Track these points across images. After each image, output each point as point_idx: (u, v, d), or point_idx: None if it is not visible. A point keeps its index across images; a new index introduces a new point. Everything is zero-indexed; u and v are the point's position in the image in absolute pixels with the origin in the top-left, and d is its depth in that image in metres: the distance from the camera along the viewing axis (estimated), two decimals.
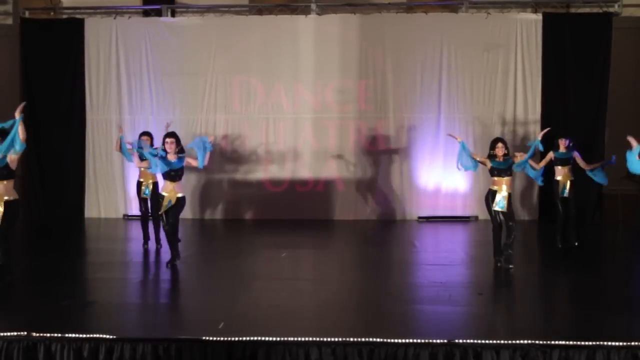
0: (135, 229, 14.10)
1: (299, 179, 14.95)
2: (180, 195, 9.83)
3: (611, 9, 14.53)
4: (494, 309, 7.73)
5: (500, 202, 9.90)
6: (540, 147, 10.92)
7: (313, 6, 15.13)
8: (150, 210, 11.58)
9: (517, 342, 6.22)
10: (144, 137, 11.62)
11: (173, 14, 15.70)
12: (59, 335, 6.35)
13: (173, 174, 9.77)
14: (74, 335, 6.34)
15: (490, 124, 14.86)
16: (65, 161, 15.40)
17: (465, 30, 14.82)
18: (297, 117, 15.06)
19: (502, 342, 6.24)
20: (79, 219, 15.27)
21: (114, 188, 15.46)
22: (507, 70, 14.84)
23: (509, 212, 9.94)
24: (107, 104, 15.43)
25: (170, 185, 9.81)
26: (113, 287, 8.76)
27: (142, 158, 10.73)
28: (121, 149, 11.71)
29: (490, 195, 10.07)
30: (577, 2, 14.89)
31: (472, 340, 6.26)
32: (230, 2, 15.79)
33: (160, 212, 9.90)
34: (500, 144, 10.19)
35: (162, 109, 15.26)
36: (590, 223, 14.45)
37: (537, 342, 6.20)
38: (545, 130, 10.89)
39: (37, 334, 6.37)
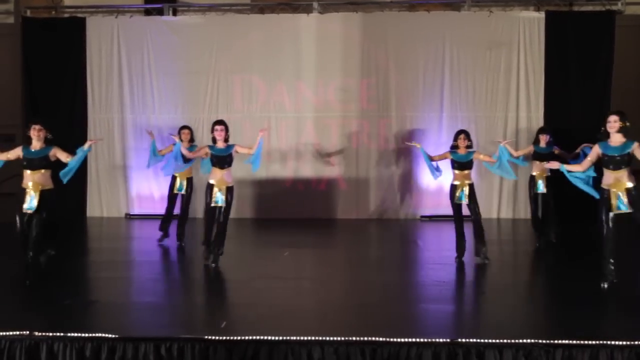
0: (138, 228, 14.30)
1: (301, 178, 14.99)
2: (230, 184, 9.72)
3: (614, 7, 14.53)
4: (497, 308, 7.70)
5: (461, 196, 10.06)
6: (515, 161, 11.07)
7: (315, 4, 15.16)
8: (182, 207, 11.64)
9: (520, 341, 6.23)
10: (185, 131, 11.72)
11: (175, 13, 15.78)
12: (62, 334, 6.37)
13: (221, 161, 9.71)
14: (76, 334, 6.36)
15: (493, 122, 14.90)
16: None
17: (468, 29, 14.83)
18: (299, 115, 15.09)
19: (505, 341, 6.25)
20: (81, 218, 15.33)
21: (116, 187, 15.51)
22: (509, 69, 14.86)
23: (473, 205, 10.07)
24: (108, 102, 15.48)
25: (219, 173, 9.72)
26: (115, 287, 8.78)
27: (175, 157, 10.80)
28: (153, 153, 11.67)
29: (452, 191, 10.19)
30: (579, 0, 14.93)
31: (475, 340, 6.27)
32: (232, 0, 15.83)
33: (210, 203, 9.71)
34: (462, 135, 10.21)
35: (163, 107, 15.31)
36: (593, 221, 14.42)
37: (540, 341, 6.20)
38: (508, 141, 10.63)
39: (40, 334, 6.39)
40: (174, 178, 11.65)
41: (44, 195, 8.67)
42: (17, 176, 15.17)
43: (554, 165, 8.77)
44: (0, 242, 12.96)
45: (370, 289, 8.77)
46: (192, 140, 11.79)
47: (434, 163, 10.34)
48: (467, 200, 10.11)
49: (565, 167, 8.62)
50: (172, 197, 11.77)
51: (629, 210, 8.18)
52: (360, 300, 8.18)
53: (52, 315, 7.16)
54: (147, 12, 15.78)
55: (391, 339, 6.29)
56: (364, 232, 13.94)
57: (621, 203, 8.11)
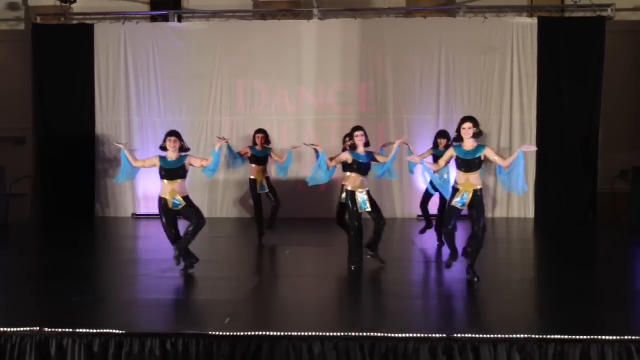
0: (144, 227, 14.43)
1: (301, 179, 15.03)
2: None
3: (604, 14, 14.74)
4: (492, 305, 7.77)
5: (363, 204, 9.27)
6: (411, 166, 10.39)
7: (315, 11, 15.43)
8: (274, 202, 11.87)
9: (514, 336, 6.24)
10: (259, 135, 11.83)
11: (180, 19, 16.09)
12: (71, 330, 6.37)
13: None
14: (84, 330, 6.36)
15: (487, 125, 14.97)
16: (76, 161, 15.74)
17: (463, 34, 15.07)
18: (300, 118, 15.36)
19: (499, 336, 6.25)
20: (89, 218, 15.58)
21: (124, 188, 15.72)
22: (503, 73, 15.10)
23: (375, 209, 9.43)
24: (116, 106, 15.78)
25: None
26: (122, 284, 8.90)
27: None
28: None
29: (349, 198, 9.27)
30: (571, 7, 15.11)
31: (470, 335, 6.27)
32: (235, 7, 16.09)
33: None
34: (359, 132, 9.32)
35: (169, 111, 15.61)
36: (585, 221, 14.75)
37: (533, 336, 6.23)
38: (402, 139, 9.81)
39: (49, 330, 6.38)
40: (252, 181, 11.78)
41: (189, 201, 8.86)
42: (27, 177, 15.75)
43: (415, 159, 8.96)
44: (13, 241, 13.38)
45: (369, 286, 8.87)
46: (267, 142, 11.99)
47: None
48: (368, 207, 9.34)
49: (426, 164, 8.81)
50: (257, 197, 11.87)
51: (460, 208, 8.51)
52: (359, 297, 8.30)
53: (61, 312, 7.18)
54: (153, 19, 16.08)
55: (389, 335, 6.28)
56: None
57: (461, 201, 8.42)
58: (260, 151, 11.73)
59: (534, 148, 8.84)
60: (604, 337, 6.18)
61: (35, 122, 15.99)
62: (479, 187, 8.46)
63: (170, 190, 8.79)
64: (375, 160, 9.41)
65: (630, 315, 7.31)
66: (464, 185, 8.43)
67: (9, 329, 6.40)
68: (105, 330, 6.39)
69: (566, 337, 6.21)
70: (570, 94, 14.89)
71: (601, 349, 6.15)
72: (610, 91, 14.92)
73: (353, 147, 9.37)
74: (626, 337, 6.19)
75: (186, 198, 8.86)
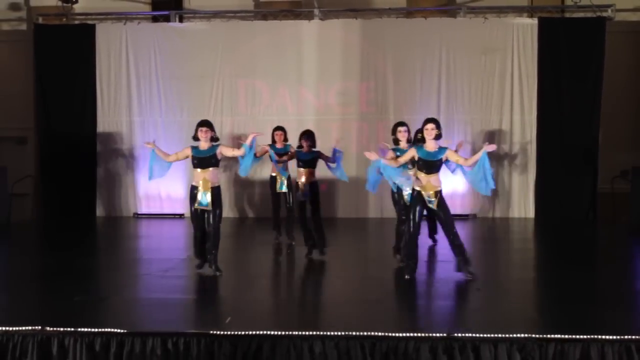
0: (145, 227, 14.49)
1: None
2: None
3: (605, 14, 14.78)
4: (492, 304, 7.77)
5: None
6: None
7: (316, 11, 15.46)
8: (289, 204, 11.48)
9: (514, 335, 6.23)
10: (278, 132, 11.77)
11: (181, 20, 16.14)
12: (72, 329, 6.37)
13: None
14: (86, 329, 6.36)
15: (487, 125, 15.20)
16: (78, 161, 15.78)
17: (463, 35, 15.11)
18: (300, 118, 15.26)
19: (499, 335, 6.24)
20: (91, 217, 15.64)
21: (125, 187, 15.85)
22: (504, 73, 15.14)
23: (316, 203, 10.05)
24: (117, 106, 15.83)
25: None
26: (124, 283, 8.91)
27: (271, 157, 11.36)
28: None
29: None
30: (571, 7, 15.14)
31: (470, 334, 6.29)
32: (236, 7, 16.11)
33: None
34: (306, 135, 10.21)
35: (170, 111, 15.67)
36: (585, 221, 14.79)
37: (533, 335, 6.23)
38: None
39: (51, 329, 6.38)
40: (273, 178, 11.67)
41: (214, 192, 8.89)
42: (29, 177, 15.79)
43: (372, 156, 8.88)
44: (15, 240, 13.43)
45: (370, 285, 8.84)
46: (285, 140, 11.86)
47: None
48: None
49: (382, 161, 8.77)
50: (276, 195, 11.78)
51: (434, 208, 8.54)
52: (359, 296, 8.29)
53: (63, 311, 7.19)
54: (155, 19, 16.14)
55: (390, 334, 6.29)
56: (364, 230, 14.16)
57: (430, 200, 8.47)
58: (280, 149, 11.60)
59: (493, 147, 8.74)
60: (604, 337, 6.18)
61: (37, 122, 16.05)
62: (439, 188, 8.54)
63: (202, 179, 8.88)
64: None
65: (630, 314, 7.32)
66: (425, 187, 8.50)
67: (10, 328, 6.41)
68: (106, 330, 6.40)
69: (566, 336, 6.21)
70: (570, 94, 14.93)
71: (601, 348, 6.14)
72: (611, 91, 14.95)
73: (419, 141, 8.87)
74: (626, 337, 6.18)
75: (216, 188, 8.94)
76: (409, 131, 9.66)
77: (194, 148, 8.98)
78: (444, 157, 8.54)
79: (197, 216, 9.02)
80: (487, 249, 11.41)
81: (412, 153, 8.61)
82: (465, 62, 15.19)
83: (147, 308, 7.62)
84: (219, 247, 9.08)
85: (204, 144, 8.96)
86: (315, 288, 8.80)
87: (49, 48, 15.74)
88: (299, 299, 8.22)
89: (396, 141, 9.72)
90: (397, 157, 9.10)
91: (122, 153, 15.83)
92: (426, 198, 8.51)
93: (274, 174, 11.66)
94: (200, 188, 8.87)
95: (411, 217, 8.61)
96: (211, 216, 8.92)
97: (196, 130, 8.97)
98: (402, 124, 9.82)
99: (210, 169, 8.92)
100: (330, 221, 14.32)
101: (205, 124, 9.03)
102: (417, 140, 8.75)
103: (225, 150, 9.01)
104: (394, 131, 9.78)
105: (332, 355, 6.23)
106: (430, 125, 8.48)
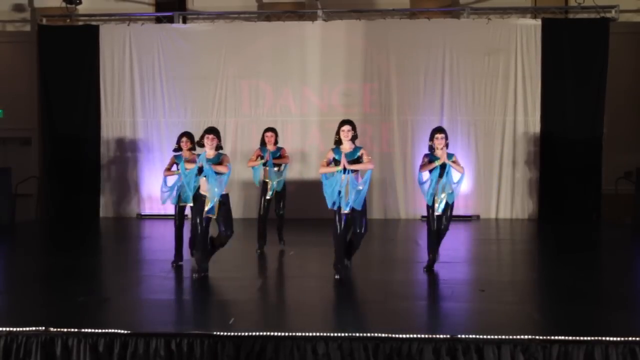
0: (149, 228, 14.47)
1: (306, 179, 15.20)
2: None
3: (608, 15, 14.82)
4: (495, 305, 7.74)
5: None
6: None
7: (319, 12, 15.52)
8: (281, 210, 11.13)
9: (518, 337, 6.21)
10: (268, 134, 11.07)
11: (184, 21, 16.19)
12: (76, 330, 6.36)
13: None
14: (90, 330, 6.35)
15: (491, 126, 15.22)
16: (82, 162, 15.85)
17: (467, 35, 15.14)
18: (304, 119, 15.41)
19: (503, 337, 6.23)
20: (94, 218, 15.69)
21: (128, 188, 15.91)
22: (507, 74, 15.16)
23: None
24: (121, 107, 15.90)
25: None
26: (127, 284, 8.87)
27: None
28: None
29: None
30: (575, 8, 15.14)
31: (474, 336, 6.26)
32: (240, 8, 16.19)
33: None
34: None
35: (173, 112, 15.73)
36: (589, 222, 14.76)
37: (537, 337, 6.20)
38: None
39: (55, 329, 6.37)
40: (264, 184, 10.95)
41: (220, 201, 8.72)
42: (33, 178, 15.84)
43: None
44: (19, 241, 13.45)
45: (373, 286, 8.84)
46: (276, 142, 11.21)
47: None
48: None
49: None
50: (265, 201, 11.04)
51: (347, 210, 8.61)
52: (363, 298, 8.31)
53: (66, 311, 7.17)
54: (158, 20, 16.18)
55: (393, 335, 6.25)
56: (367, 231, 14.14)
57: (347, 203, 8.51)
58: (273, 152, 10.95)
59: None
60: (607, 338, 6.16)
61: (41, 123, 16.10)
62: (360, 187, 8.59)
63: (206, 187, 8.73)
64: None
65: (634, 316, 7.29)
66: (347, 187, 8.52)
67: (14, 329, 6.41)
68: (110, 330, 6.39)
69: (570, 337, 6.19)
70: (574, 95, 14.94)
71: (605, 349, 6.12)
72: (614, 92, 14.97)
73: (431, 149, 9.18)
74: (630, 338, 6.17)
75: (224, 196, 8.80)
76: (446, 137, 9.15)
77: (200, 156, 8.79)
78: (358, 155, 8.57)
79: (201, 221, 8.84)
80: (490, 250, 11.38)
81: (330, 155, 8.64)
82: (468, 63, 15.21)
83: (150, 309, 7.60)
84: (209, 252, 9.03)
85: (210, 152, 8.78)
86: (318, 289, 8.74)
87: (53, 49, 15.79)
88: (302, 299, 8.16)
89: (432, 148, 9.18)
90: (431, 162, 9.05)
91: (126, 154, 15.86)
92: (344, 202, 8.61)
93: (266, 180, 10.91)
94: (206, 201, 8.72)
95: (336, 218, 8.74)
96: (222, 224, 8.81)
97: (202, 137, 8.80)
98: (440, 130, 9.29)
99: (217, 176, 8.72)
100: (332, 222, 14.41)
101: (212, 131, 8.84)
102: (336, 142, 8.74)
103: (225, 161, 8.78)
104: (432, 137, 9.20)
105: (336, 357, 6.22)
106: (347, 127, 8.58)
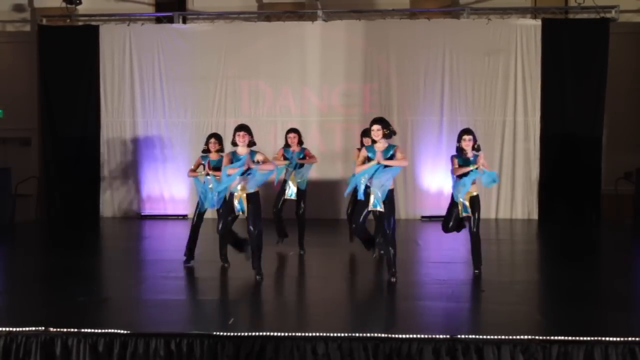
0: (149, 228, 14.50)
1: (306, 180, 15.10)
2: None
3: (608, 15, 14.83)
4: (495, 305, 7.72)
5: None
6: None
7: (319, 13, 15.51)
8: (300, 211, 11.04)
9: (518, 337, 6.22)
10: (291, 134, 11.05)
11: (184, 21, 16.20)
12: (76, 330, 6.36)
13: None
14: (89, 330, 6.36)
15: (491, 126, 15.21)
16: (81, 162, 15.86)
17: (467, 36, 15.15)
18: (304, 119, 15.33)
19: (503, 337, 6.23)
20: (94, 218, 15.69)
21: (129, 188, 15.93)
22: (507, 74, 15.16)
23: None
24: (121, 107, 15.91)
25: None
26: (127, 284, 8.88)
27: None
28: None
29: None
30: (575, 8, 15.14)
31: (473, 336, 6.27)
32: (240, 8, 16.20)
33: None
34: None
35: (173, 112, 15.73)
36: (589, 223, 14.77)
37: (537, 337, 6.21)
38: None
39: (55, 329, 6.38)
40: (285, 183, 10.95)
41: (249, 198, 8.59)
42: (33, 178, 15.85)
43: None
44: (19, 241, 13.45)
45: (373, 286, 8.88)
46: (300, 142, 11.17)
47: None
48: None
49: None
50: (282, 202, 11.01)
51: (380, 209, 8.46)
52: (363, 298, 8.34)
53: (66, 311, 7.19)
54: (158, 20, 16.20)
55: (393, 335, 6.27)
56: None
57: (377, 202, 8.43)
58: (297, 153, 10.92)
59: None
60: (607, 339, 6.17)
61: (41, 123, 16.12)
62: (391, 187, 8.52)
63: (241, 184, 8.59)
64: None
65: (634, 316, 7.29)
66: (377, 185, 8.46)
67: (14, 329, 6.41)
68: (109, 330, 6.40)
69: (570, 338, 6.20)
70: (574, 96, 14.94)
71: (605, 350, 6.13)
72: (614, 93, 14.97)
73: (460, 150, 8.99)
74: (630, 339, 6.18)
75: (253, 195, 8.66)
76: (474, 138, 8.91)
77: (233, 154, 8.64)
78: (392, 153, 8.46)
79: (226, 216, 8.77)
80: (490, 250, 11.35)
81: (364, 154, 8.55)
82: (468, 63, 15.21)
83: (150, 309, 7.61)
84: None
85: (242, 149, 8.60)
86: (318, 289, 8.77)
87: (53, 49, 15.79)
88: (302, 300, 8.20)
89: (460, 149, 8.94)
90: (460, 165, 8.82)
91: (126, 154, 15.87)
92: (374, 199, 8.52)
93: (287, 179, 10.87)
94: (237, 194, 8.60)
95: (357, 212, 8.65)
96: (250, 221, 8.65)
97: (234, 135, 8.62)
98: (468, 131, 9.01)
99: (249, 176, 8.57)
100: (333, 222, 14.49)
101: (243, 128, 8.63)
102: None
103: (257, 158, 8.57)
104: (459, 139, 8.95)
105: (335, 357, 6.22)
106: (376, 127, 8.43)
